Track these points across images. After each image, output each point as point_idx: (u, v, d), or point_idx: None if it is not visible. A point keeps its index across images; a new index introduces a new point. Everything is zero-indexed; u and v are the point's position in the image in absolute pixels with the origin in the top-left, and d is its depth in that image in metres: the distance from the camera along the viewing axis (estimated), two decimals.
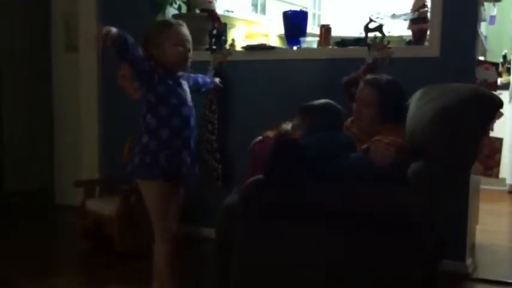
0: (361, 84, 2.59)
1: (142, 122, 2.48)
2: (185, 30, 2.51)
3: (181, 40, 2.48)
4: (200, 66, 3.39)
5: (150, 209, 2.53)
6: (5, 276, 3.05)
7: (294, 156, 2.10)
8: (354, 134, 2.48)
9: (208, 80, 2.91)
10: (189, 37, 2.51)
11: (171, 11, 3.89)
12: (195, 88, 2.74)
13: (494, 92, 2.52)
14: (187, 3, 3.87)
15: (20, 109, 5.28)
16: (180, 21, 2.54)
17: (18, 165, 5.26)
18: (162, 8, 3.84)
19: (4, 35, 5.23)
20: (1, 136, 5.27)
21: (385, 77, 2.58)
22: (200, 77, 2.81)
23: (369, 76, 2.67)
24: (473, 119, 2.00)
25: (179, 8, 3.88)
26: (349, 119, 2.63)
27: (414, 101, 2.39)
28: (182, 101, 2.48)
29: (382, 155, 2.08)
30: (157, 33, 2.46)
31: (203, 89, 2.88)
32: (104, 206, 3.47)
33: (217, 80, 3.05)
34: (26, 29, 5.26)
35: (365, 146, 2.19)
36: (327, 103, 2.47)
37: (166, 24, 2.52)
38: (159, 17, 3.82)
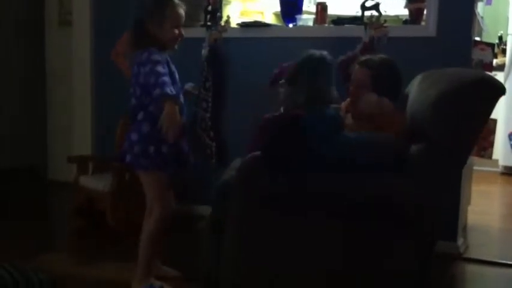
0: (356, 65, 2.57)
1: (136, 104, 2.44)
2: (182, 11, 2.49)
3: (178, 23, 2.46)
4: (195, 43, 3.36)
5: (151, 197, 2.51)
6: None
7: (292, 132, 2.09)
8: (350, 115, 2.48)
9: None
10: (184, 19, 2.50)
11: None
12: None
13: (490, 73, 2.51)
14: None
15: (12, 84, 5.23)
16: (178, 1, 2.51)
17: (10, 142, 5.23)
18: None
19: None
20: None
21: (379, 57, 2.56)
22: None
23: (363, 57, 2.66)
24: (475, 104, 1.99)
25: None
26: (347, 100, 2.62)
27: (415, 85, 2.37)
28: (174, 80, 2.46)
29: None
30: (159, 11, 2.43)
31: None
32: (97, 182, 3.47)
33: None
34: (19, 3, 5.18)
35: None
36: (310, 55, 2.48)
37: (169, 2, 2.47)
38: None
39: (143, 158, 2.41)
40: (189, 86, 2.73)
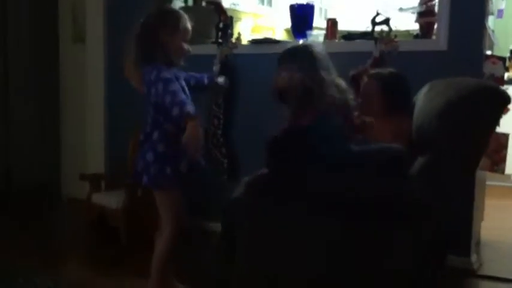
0: (365, 78, 2.59)
1: (151, 123, 2.42)
2: (190, 27, 2.48)
3: (187, 37, 2.46)
4: (206, 60, 3.38)
5: (166, 216, 2.48)
6: (13, 269, 3.06)
7: (298, 143, 2.09)
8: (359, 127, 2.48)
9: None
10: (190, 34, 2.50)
11: (177, 3, 3.88)
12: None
13: (501, 87, 2.51)
14: None
15: (27, 101, 5.26)
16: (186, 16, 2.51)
17: (25, 159, 5.27)
18: (169, 1, 3.83)
19: (12, 25, 5.22)
20: (8, 128, 5.28)
21: (389, 70, 2.58)
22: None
23: (373, 70, 2.67)
24: (480, 113, 1.99)
25: (185, 1, 3.87)
26: (355, 113, 2.62)
27: (421, 95, 2.38)
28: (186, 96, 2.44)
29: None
30: (173, 21, 2.42)
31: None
32: (110, 200, 3.48)
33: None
34: (34, 20, 5.24)
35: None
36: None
37: (181, 16, 2.47)
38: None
39: (160, 178, 2.38)
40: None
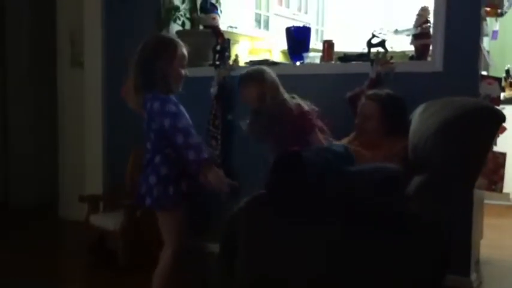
0: (363, 99, 2.61)
1: (151, 149, 2.46)
2: (186, 52, 2.53)
3: (184, 63, 2.52)
4: (204, 82, 3.41)
5: (169, 236, 2.51)
6: None
7: (296, 169, 2.10)
8: (356, 149, 2.49)
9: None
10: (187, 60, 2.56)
11: (175, 27, 3.92)
12: None
13: (498, 107, 2.53)
14: (191, 20, 3.90)
15: (25, 123, 5.30)
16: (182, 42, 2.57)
17: (23, 180, 5.27)
18: (166, 24, 3.87)
19: (10, 50, 5.27)
20: (7, 149, 5.29)
21: (386, 91, 2.60)
22: None
23: (370, 91, 2.70)
24: (475, 133, 2.01)
25: (183, 24, 3.91)
26: (352, 134, 2.64)
27: (417, 115, 2.40)
28: None
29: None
30: (171, 49, 2.47)
31: None
32: (108, 221, 3.48)
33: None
34: (32, 44, 5.29)
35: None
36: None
37: (178, 43, 2.52)
38: (164, 33, 3.85)
39: (163, 199, 2.42)
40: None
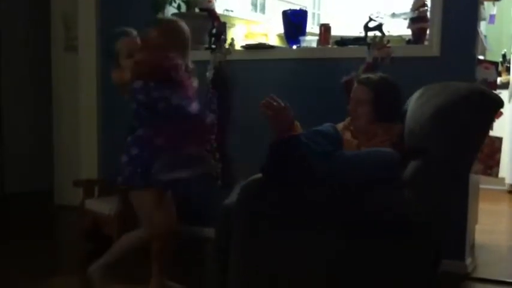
0: (355, 83, 2.59)
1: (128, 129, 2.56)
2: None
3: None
4: (200, 66, 3.39)
5: (140, 216, 2.63)
6: (5, 277, 3.04)
7: (291, 153, 2.09)
8: (350, 133, 2.49)
9: None
10: None
11: (171, 9, 3.89)
12: None
13: (494, 91, 2.52)
14: (187, 3, 3.87)
15: (19, 109, 5.27)
16: None
17: (18, 166, 5.26)
18: (161, 7, 3.83)
19: (4, 35, 5.22)
20: (1, 137, 5.27)
21: (379, 75, 2.58)
22: None
23: (362, 75, 2.68)
24: (471, 117, 1.99)
25: (178, 7, 3.88)
26: (346, 120, 2.62)
27: (413, 100, 2.38)
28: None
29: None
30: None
31: None
32: (103, 206, 3.46)
33: None
34: (26, 29, 5.25)
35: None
36: None
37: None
38: (159, 16, 3.83)
39: (132, 179, 2.49)
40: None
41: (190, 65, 2.59)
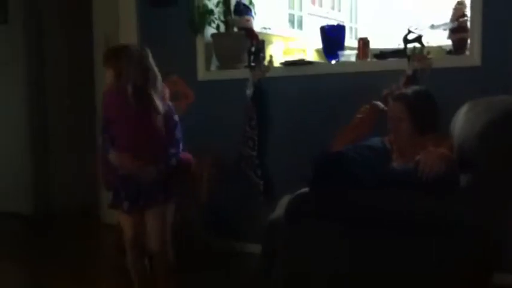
0: (390, 100, 2.58)
1: None
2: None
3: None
4: (240, 84, 3.43)
5: None
6: None
7: (338, 168, 2.09)
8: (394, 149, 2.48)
9: None
10: None
11: (210, 30, 3.94)
12: None
13: None
14: (226, 23, 3.92)
15: (63, 128, 5.41)
16: None
17: (65, 185, 5.37)
18: (201, 28, 3.90)
19: (49, 57, 5.38)
20: (47, 154, 5.40)
21: (413, 89, 2.56)
22: None
23: (396, 92, 2.67)
24: None
25: (217, 27, 3.93)
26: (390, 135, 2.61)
27: (462, 114, 2.35)
28: None
29: (432, 166, 2.06)
30: None
31: None
32: None
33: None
34: (69, 49, 5.40)
35: (417, 157, 2.16)
36: None
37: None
38: (198, 37, 3.90)
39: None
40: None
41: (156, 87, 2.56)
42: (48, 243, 4.41)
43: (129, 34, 4.39)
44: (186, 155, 2.79)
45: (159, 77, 2.58)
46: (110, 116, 2.59)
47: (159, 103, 2.51)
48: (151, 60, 2.57)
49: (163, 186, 2.57)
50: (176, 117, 2.64)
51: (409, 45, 3.20)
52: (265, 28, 4.76)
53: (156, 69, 2.58)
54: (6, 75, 5.34)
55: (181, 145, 2.65)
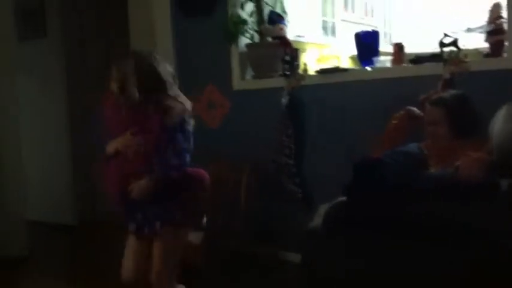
0: (427, 105, 2.56)
1: None
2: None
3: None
4: (274, 92, 3.45)
5: None
6: None
7: (374, 176, 2.09)
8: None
9: None
10: None
11: (244, 40, 3.98)
12: None
13: None
14: (259, 32, 3.95)
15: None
16: None
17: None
18: (235, 38, 3.94)
19: (89, 68, 5.49)
20: (91, 164, 5.49)
21: (450, 93, 2.54)
22: None
23: (434, 96, 2.65)
24: None
25: (251, 37, 3.96)
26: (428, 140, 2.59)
27: (500, 117, 2.32)
28: None
29: (472, 171, 2.04)
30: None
31: None
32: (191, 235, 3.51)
33: None
34: (108, 62, 5.49)
35: (457, 163, 2.14)
36: None
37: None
38: (233, 47, 3.93)
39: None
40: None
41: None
42: (95, 254, 4.47)
43: (164, 44, 4.45)
44: (198, 171, 2.56)
45: (171, 86, 2.48)
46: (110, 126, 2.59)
47: (170, 110, 2.39)
48: (162, 67, 2.47)
49: (164, 206, 2.42)
50: (188, 127, 2.46)
51: (446, 49, 3.17)
52: (298, 36, 4.78)
53: (170, 78, 2.48)
54: (48, 88, 5.47)
55: (188, 157, 2.43)
